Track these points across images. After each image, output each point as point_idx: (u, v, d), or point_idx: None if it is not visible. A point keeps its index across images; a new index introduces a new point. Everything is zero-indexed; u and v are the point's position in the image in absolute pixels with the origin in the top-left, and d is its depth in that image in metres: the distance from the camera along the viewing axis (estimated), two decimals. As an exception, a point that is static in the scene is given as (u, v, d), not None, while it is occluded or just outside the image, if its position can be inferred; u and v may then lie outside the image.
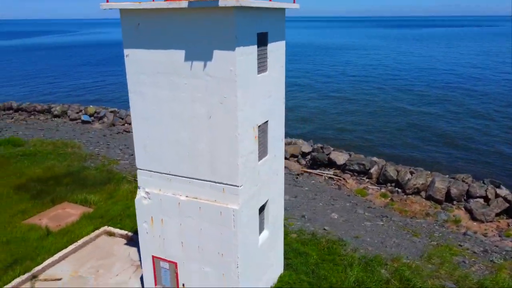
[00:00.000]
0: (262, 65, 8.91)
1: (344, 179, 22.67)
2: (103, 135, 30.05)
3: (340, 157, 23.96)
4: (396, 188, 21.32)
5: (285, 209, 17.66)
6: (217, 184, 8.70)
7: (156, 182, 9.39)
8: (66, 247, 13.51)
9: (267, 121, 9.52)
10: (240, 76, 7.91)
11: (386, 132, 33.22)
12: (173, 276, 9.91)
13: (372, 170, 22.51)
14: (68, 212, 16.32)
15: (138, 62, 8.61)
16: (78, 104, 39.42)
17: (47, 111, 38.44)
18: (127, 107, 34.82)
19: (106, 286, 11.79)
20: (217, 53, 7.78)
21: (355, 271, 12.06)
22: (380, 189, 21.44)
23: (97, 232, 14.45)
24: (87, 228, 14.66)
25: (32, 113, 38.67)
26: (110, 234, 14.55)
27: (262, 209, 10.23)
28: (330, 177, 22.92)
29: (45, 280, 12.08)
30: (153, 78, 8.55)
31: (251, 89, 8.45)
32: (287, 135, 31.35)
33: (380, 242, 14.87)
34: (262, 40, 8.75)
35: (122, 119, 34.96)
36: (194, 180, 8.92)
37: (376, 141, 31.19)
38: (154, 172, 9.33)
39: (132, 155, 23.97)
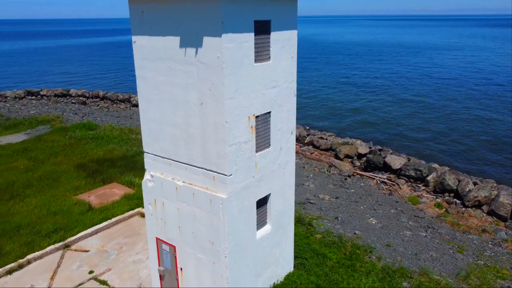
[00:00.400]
0: (262, 54, 8.68)
1: (397, 184, 21.21)
2: (169, 124, 31.70)
3: (396, 161, 22.47)
4: (454, 199, 19.38)
5: (320, 209, 17.10)
6: (209, 171, 8.70)
7: (159, 166, 9.68)
8: (101, 223, 14.57)
9: (269, 112, 9.26)
10: (229, 64, 7.79)
11: (459, 140, 30.31)
12: (173, 260, 10.14)
13: (429, 177, 20.75)
14: (114, 192, 17.54)
15: (142, 48, 8.94)
16: (154, 95, 42.14)
17: (127, 100, 41.72)
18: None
19: (125, 262, 12.48)
20: (205, 40, 7.77)
21: (370, 280, 11.24)
22: (436, 198, 19.67)
23: (131, 212, 15.34)
24: (123, 207, 15.62)
25: (114, 101, 42.25)
26: (143, 215, 15.34)
27: (264, 202, 10.02)
28: (382, 181, 21.59)
29: (75, 250, 13.15)
30: (154, 63, 8.81)
31: (245, 78, 8.28)
32: (346, 135, 30.44)
33: (414, 254, 13.66)
34: (262, 28, 8.53)
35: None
36: (189, 166, 9.02)
37: (445, 149, 28.64)
38: (157, 156, 9.63)
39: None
